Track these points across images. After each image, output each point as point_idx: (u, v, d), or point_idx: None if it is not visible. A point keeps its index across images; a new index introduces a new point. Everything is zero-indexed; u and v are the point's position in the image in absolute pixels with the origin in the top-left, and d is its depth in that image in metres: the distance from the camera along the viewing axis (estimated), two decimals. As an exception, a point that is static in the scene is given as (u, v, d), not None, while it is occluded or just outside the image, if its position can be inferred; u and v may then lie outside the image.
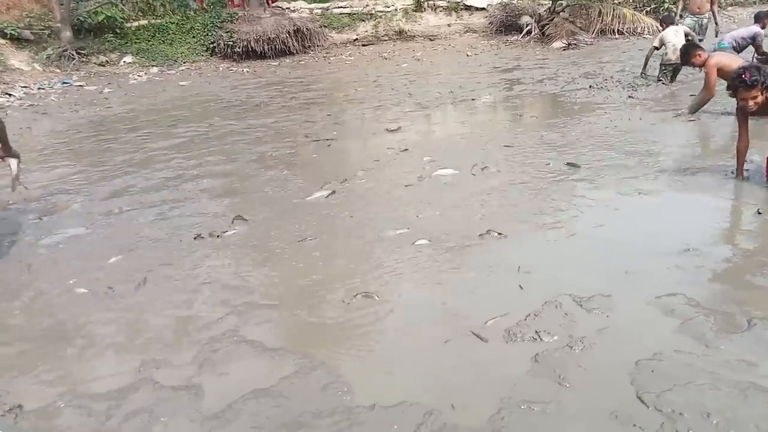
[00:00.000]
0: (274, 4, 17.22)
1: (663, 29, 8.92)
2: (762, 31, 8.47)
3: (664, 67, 8.49)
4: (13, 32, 13.76)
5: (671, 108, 7.02)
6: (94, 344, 2.91)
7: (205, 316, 3.09)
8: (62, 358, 2.81)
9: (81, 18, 14.75)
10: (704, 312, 2.80)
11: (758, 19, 8.61)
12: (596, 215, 4.06)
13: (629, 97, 7.86)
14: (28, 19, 14.61)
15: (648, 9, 16.15)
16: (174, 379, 2.58)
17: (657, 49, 8.62)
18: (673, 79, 8.50)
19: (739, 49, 8.06)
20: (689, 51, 6.38)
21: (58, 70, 13.67)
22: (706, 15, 9.56)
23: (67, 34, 14.27)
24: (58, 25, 14.30)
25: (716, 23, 9.77)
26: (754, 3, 17.58)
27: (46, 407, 2.44)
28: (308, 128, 7.62)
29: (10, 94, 11.54)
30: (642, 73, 8.91)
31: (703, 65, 6.24)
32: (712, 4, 9.55)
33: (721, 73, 6.04)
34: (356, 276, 3.42)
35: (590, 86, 8.79)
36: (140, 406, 2.41)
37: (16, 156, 4.35)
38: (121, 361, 2.77)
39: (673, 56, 8.04)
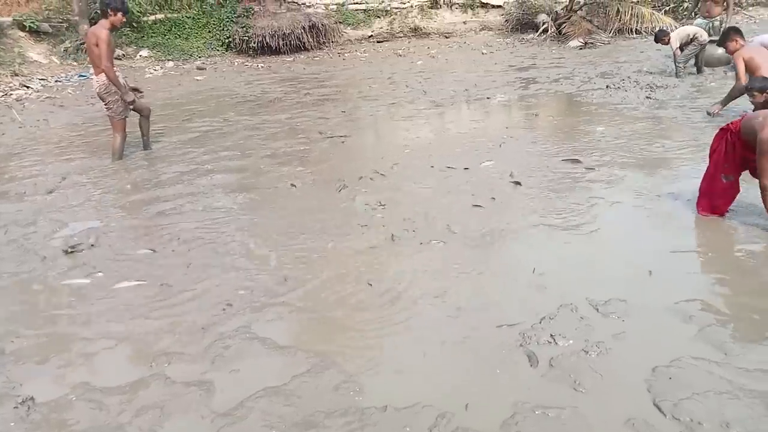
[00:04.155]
0: (289, 0, 17.20)
1: (665, 41, 9.05)
2: None
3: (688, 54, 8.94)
4: (31, 25, 13.84)
5: (692, 107, 6.92)
6: (107, 339, 2.91)
7: (217, 313, 3.08)
8: (74, 351, 2.82)
9: (99, 11, 14.83)
10: (723, 319, 2.75)
11: None
12: (612, 218, 4.00)
13: (647, 97, 7.75)
14: (46, 12, 14.69)
15: (667, 8, 15.93)
16: (185, 374, 2.58)
17: (682, 48, 8.85)
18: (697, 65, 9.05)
19: None
20: (730, 33, 6.28)
21: (75, 63, 13.74)
22: (717, 18, 9.49)
23: (85, 27, 14.31)
24: (76, 18, 14.37)
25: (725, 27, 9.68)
26: (777, 4, 17.25)
27: (58, 400, 2.45)
28: (322, 125, 7.61)
29: (28, 87, 11.62)
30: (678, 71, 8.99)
31: (733, 53, 6.17)
32: (726, 8, 9.47)
33: (747, 67, 5.97)
34: (368, 274, 3.40)
35: (607, 86, 8.69)
36: (151, 402, 2.40)
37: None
38: (132, 356, 2.77)
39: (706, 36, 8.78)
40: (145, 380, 2.55)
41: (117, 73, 6.07)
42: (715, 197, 3.88)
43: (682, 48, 8.94)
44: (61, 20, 14.68)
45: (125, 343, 2.87)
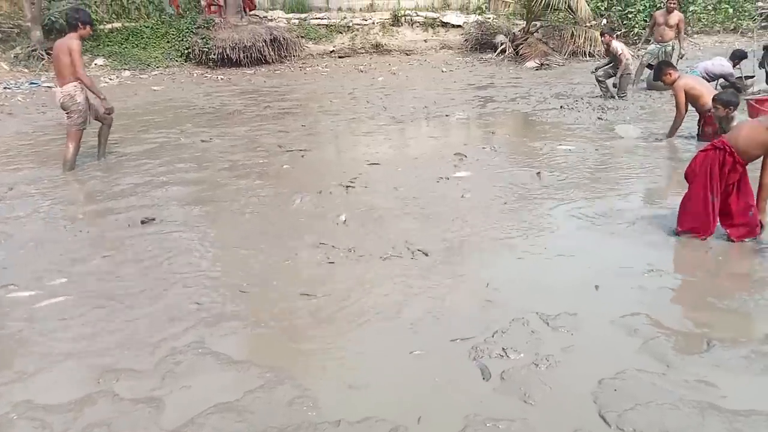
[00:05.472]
0: (251, 12, 17.14)
1: (607, 39, 9.45)
2: (734, 71, 8.85)
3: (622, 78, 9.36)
4: (-20, 29, 13.41)
5: (641, 128, 7.20)
6: (52, 354, 2.82)
7: (169, 328, 3.03)
8: (17, 368, 2.71)
9: (52, 18, 14.43)
10: (666, 332, 2.86)
11: (734, 58, 8.99)
12: (563, 234, 4.13)
13: (599, 118, 8.03)
14: (-4, 17, 14.27)
15: (618, 33, 16.58)
16: (134, 391, 2.52)
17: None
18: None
19: (708, 80, 8.34)
20: (662, 68, 6.53)
21: (26, 70, 13.32)
22: (670, 43, 9.93)
23: (37, 33, 13.95)
24: (28, 24, 13.97)
25: (680, 52, 10.11)
26: (719, 32, 18.20)
27: (-1, 419, 2.36)
28: (282, 138, 7.58)
29: (-26, 93, 11.21)
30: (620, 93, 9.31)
31: (671, 84, 6.40)
32: (678, 33, 9.91)
33: (689, 97, 6.24)
34: (324, 289, 3.40)
35: (561, 106, 8.97)
36: (98, 419, 2.34)
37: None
38: (79, 372, 2.69)
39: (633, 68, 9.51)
40: (92, 397, 2.48)
41: (75, 85, 5.96)
42: (707, 218, 3.83)
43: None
44: (12, 25, 14.26)
45: (72, 359, 2.79)
